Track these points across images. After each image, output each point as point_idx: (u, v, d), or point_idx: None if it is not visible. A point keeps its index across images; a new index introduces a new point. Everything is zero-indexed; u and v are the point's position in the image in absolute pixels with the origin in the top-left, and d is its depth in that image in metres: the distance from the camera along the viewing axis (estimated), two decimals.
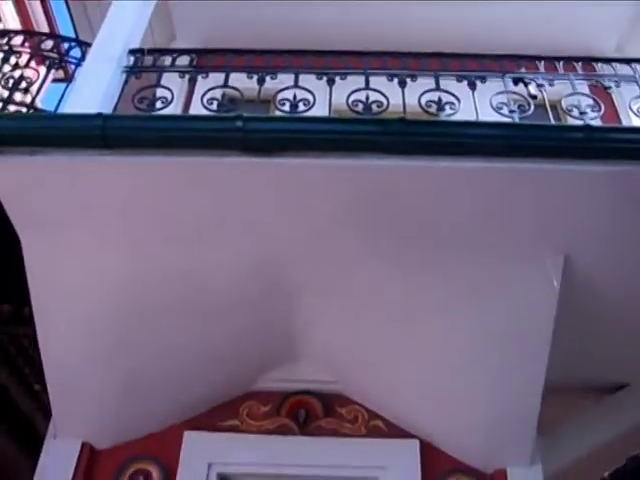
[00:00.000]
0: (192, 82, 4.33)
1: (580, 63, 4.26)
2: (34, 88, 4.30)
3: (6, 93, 4.20)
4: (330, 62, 4.16)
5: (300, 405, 4.39)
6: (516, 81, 4.08)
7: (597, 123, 3.83)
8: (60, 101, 4.05)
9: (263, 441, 4.28)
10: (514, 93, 3.99)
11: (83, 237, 3.53)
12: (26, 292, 3.79)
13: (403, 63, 4.16)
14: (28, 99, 4.47)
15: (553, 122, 3.95)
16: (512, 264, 3.56)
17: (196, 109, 4.57)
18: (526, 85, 4.06)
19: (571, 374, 4.55)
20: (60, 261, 3.61)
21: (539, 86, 4.06)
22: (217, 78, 4.05)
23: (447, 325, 3.81)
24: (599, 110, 3.87)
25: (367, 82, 3.95)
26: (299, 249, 3.64)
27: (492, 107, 3.78)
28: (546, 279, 3.56)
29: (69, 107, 3.85)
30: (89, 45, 4.45)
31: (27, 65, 4.46)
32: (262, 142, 3.10)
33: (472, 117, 3.72)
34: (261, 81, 3.98)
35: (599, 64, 4.34)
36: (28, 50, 4.62)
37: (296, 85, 3.95)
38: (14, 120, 3.39)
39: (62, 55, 4.52)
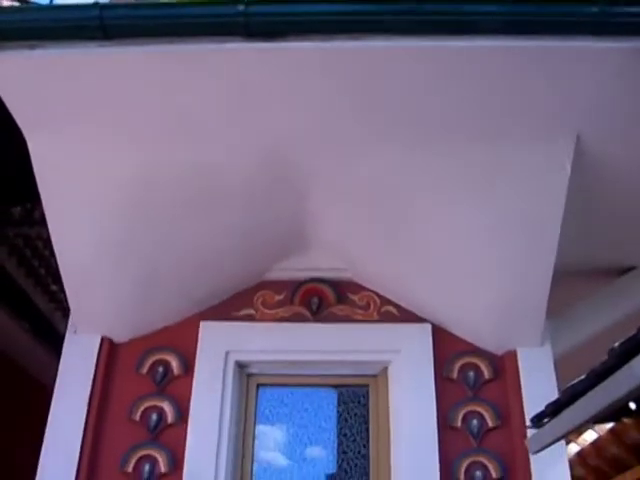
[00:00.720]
0: None
1: None
2: None
3: None
4: None
5: (313, 293, 4.47)
6: None
7: None
8: None
9: (278, 328, 4.38)
10: None
11: (89, 134, 3.49)
12: (36, 193, 3.79)
13: None
14: None
15: None
16: (522, 146, 3.51)
17: None
18: None
19: (580, 257, 4.57)
20: (67, 160, 3.58)
21: None
22: None
23: (458, 211, 3.79)
24: None
25: None
26: (305, 140, 3.59)
27: None
28: (557, 160, 3.52)
29: None
30: None
31: None
32: (265, 26, 3.00)
33: None
34: None
35: None
36: None
37: None
38: (10, 13, 3.28)
39: None
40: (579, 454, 11.46)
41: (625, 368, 1.95)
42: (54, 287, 6.66)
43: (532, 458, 3.99)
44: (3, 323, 6.06)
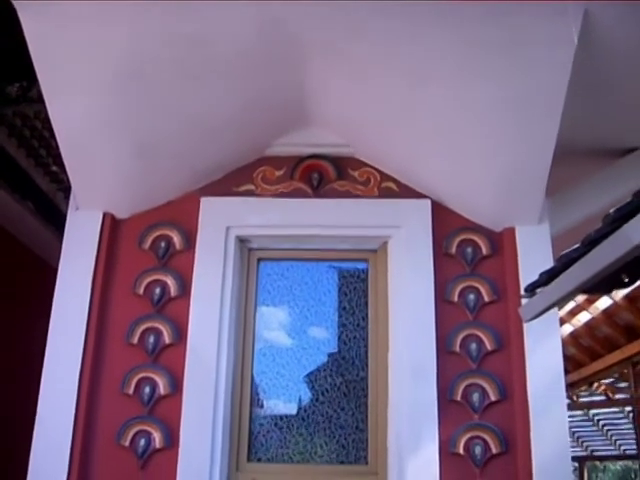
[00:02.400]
0: None
1: None
2: None
3: None
4: None
5: (313, 169, 4.46)
6: None
7: None
8: None
9: (278, 204, 4.40)
10: None
11: (81, 7, 3.38)
12: (32, 70, 3.72)
13: None
14: None
15: None
16: (530, 19, 3.41)
17: None
18: None
19: (583, 137, 4.54)
20: (61, 33, 3.49)
21: None
22: None
23: (462, 85, 3.73)
24: None
25: None
26: (306, 10, 3.49)
27: None
28: (564, 31, 3.43)
29: None
30: None
31: None
32: None
33: None
34: None
35: None
36: None
37: None
38: None
39: None
40: (572, 334, 11.80)
41: (619, 232, 1.97)
42: (55, 168, 6.65)
43: (526, 331, 4.11)
44: (7, 203, 6.08)
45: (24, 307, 6.58)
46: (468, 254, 4.31)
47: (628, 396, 14.20)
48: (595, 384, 13.81)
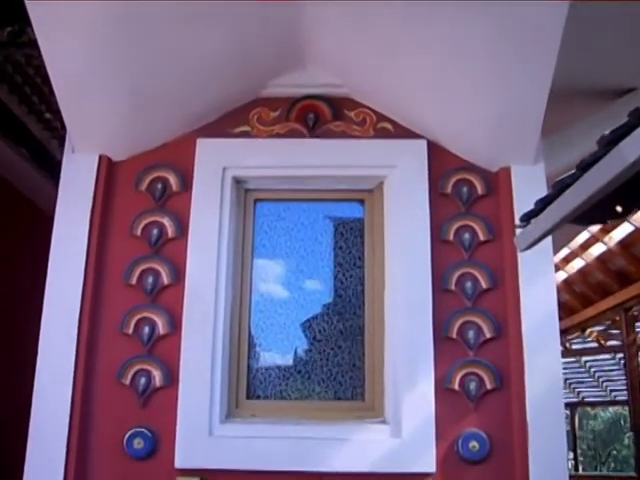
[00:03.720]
0: None
1: None
2: None
3: None
4: None
5: (309, 109, 4.43)
6: None
7: None
8: None
9: (274, 145, 4.39)
10: None
11: None
12: (22, 14, 3.67)
13: None
14: None
15: None
16: None
17: None
18: None
19: (580, 77, 4.54)
20: None
21: None
22: None
23: (458, 20, 3.68)
24: None
25: None
26: None
27: None
28: None
29: None
30: None
31: None
32: None
33: None
34: None
35: None
36: None
37: None
38: None
39: None
40: (566, 281, 11.92)
41: (613, 152, 1.98)
42: (48, 115, 6.61)
43: (520, 270, 4.15)
44: (1, 150, 6.06)
45: (19, 253, 6.61)
46: (463, 194, 4.33)
47: (619, 343, 14.40)
48: (587, 331, 13.99)
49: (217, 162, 4.34)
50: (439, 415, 3.97)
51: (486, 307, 4.16)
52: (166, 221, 4.27)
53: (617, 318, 12.42)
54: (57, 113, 6.49)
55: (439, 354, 4.06)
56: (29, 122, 6.37)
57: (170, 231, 4.26)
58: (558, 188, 2.37)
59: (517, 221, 3.97)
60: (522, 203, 4.22)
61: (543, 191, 4.21)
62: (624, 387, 17.90)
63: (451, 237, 4.26)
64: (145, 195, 4.34)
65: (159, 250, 4.25)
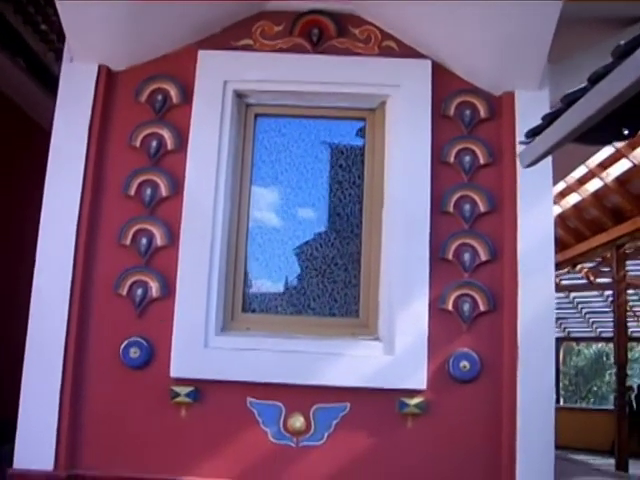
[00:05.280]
0: None
1: None
2: None
3: None
4: None
5: (313, 24, 4.34)
6: None
7: None
8: None
9: (277, 59, 4.32)
10: None
11: None
12: None
13: None
14: None
15: None
16: None
17: None
18: None
19: (588, 4, 4.43)
20: None
21: None
22: None
23: None
24: None
25: None
26: None
27: None
28: None
29: None
30: None
31: None
32: None
33: None
34: None
35: None
36: None
37: None
38: None
39: None
40: (560, 216, 11.95)
41: (629, 60, 1.93)
42: (44, 27, 6.47)
43: (519, 194, 4.16)
44: None
45: (16, 165, 6.57)
46: (466, 116, 4.30)
47: (608, 280, 14.54)
48: (578, 267, 14.12)
49: (218, 75, 4.27)
50: (432, 334, 4.03)
51: (483, 230, 4.18)
52: (165, 133, 4.23)
53: (608, 255, 12.51)
54: (53, 24, 6.39)
55: (434, 275, 4.09)
56: (25, 33, 6.23)
57: (169, 143, 4.22)
58: (567, 102, 2.34)
59: (521, 138, 4.01)
60: (524, 128, 4.08)
61: None
62: (609, 324, 18.22)
63: (451, 159, 4.25)
64: (145, 106, 4.28)
65: (158, 162, 4.22)
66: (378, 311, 4.19)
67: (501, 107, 4.32)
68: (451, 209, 4.18)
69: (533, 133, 2.71)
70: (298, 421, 3.98)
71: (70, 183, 4.14)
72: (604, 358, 32.90)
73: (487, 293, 4.09)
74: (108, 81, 4.30)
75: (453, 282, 4.11)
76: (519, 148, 3.05)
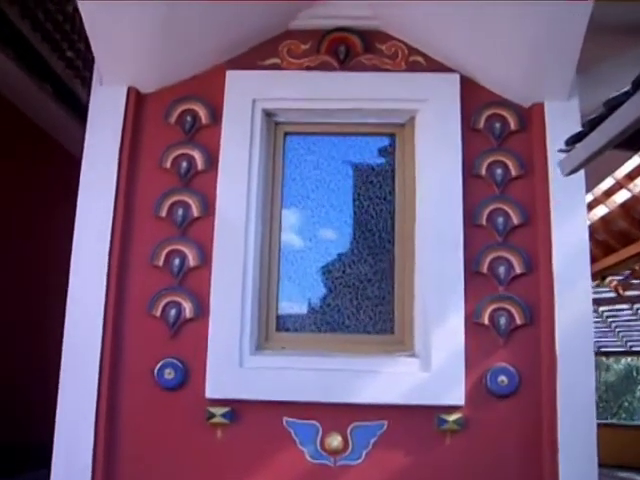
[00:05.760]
0: None
1: None
2: None
3: None
4: None
5: (340, 42, 4.35)
6: None
7: None
8: None
9: (304, 77, 4.33)
10: None
11: None
12: None
13: None
14: None
15: None
16: None
17: None
18: None
19: (616, 12, 4.39)
20: None
21: None
22: None
23: None
24: None
25: None
26: None
27: None
28: None
29: None
30: None
31: None
32: None
33: None
34: None
35: None
36: None
37: None
38: None
39: None
40: (588, 229, 11.81)
41: None
42: (70, 54, 6.57)
43: (552, 206, 4.12)
44: (25, 85, 6.02)
45: (46, 193, 6.65)
46: (496, 129, 4.27)
47: (638, 293, 14.36)
48: (607, 279, 13.93)
49: (247, 94, 4.28)
50: (468, 349, 3.98)
51: (517, 243, 4.13)
52: (195, 154, 4.24)
53: (637, 267, 12.35)
54: (79, 52, 6.48)
55: (469, 289, 4.05)
56: (51, 59, 6.32)
57: (200, 163, 4.23)
58: (609, 106, 2.31)
59: (553, 148, 3.98)
60: (555, 139, 4.17)
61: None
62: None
63: (483, 172, 4.22)
64: (174, 128, 4.30)
65: (189, 182, 4.23)
66: (413, 327, 4.15)
67: (531, 118, 4.29)
68: (484, 222, 4.15)
69: (574, 140, 2.67)
70: (335, 440, 3.93)
71: (102, 206, 4.15)
72: (634, 373, 32.47)
73: (523, 306, 4.03)
74: (137, 103, 4.33)
75: (488, 296, 4.06)
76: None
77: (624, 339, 19.44)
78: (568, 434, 3.86)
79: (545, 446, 3.89)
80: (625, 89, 2.28)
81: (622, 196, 10.63)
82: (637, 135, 2.23)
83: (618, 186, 10.41)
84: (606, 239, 12.01)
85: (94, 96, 4.37)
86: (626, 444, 14.68)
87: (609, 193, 10.65)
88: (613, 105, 2.30)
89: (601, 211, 11.29)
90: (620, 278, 14.38)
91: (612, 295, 15.30)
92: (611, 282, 14.38)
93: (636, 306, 17.19)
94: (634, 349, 20.06)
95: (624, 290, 15.15)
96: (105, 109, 4.30)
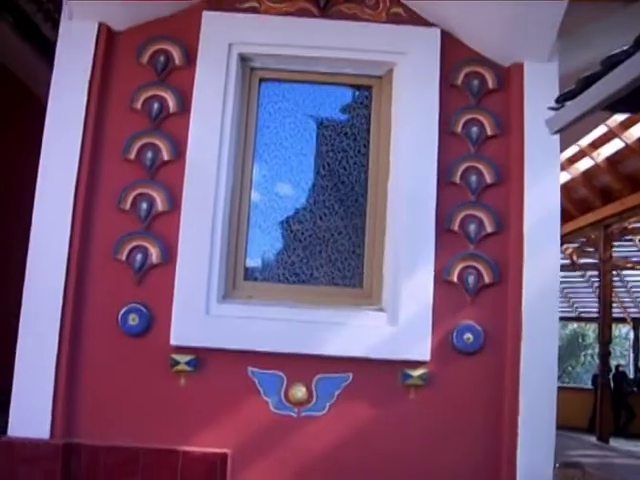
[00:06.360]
0: None
1: None
2: None
3: None
4: None
5: None
6: None
7: None
8: None
9: (283, 22, 4.21)
10: None
11: None
12: None
13: None
14: None
15: None
16: None
17: None
18: None
19: None
20: None
21: None
22: None
23: None
24: None
25: None
26: None
27: None
28: None
29: None
30: None
31: None
32: None
33: None
34: None
35: None
36: None
37: None
38: None
39: None
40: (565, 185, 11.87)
41: None
42: None
43: (526, 167, 4.11)
44: None
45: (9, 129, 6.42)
46: (474, 87, 4.23)
47: (592, 261, 14.63)
48: (564, 246, 14.17)
49: (223, 37, 4.16)
50: (436, 306, 3.99)
51: (489, 202, 4.14)
52: (168, 95, 4.13)
53: (593, 236, 12.57)
54: None
55: (440, 246, 4.05)
56: None
57: (172, 105, 4.12)
58: (608, 64, 2.26)
59: (530, 108, 3.96)
60: (533, 100, 4.17)
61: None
62: (591, 304, 18.40)
63: (459, 130, 4.19)
64: (146, 68, 4.17)
65: (159, 125, 4.12)
66: (382, 281, 4.13)
67: (509, 78, 4.26)
68: (458, 180, 4.13)
69: (564, 98, 2.63)
70: (300, 391, 3.93)
71: (68, 146, 4.03)
72: (580, 339, 33.36)
73: (492, 265, 4.05)
74: (108, 41, 4.18)
75: (458, 253, 4.07)
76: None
77: (575, 305, 19.89)
78: (530, 393, 3.92)
79: (507, 403, 3.94)
80: (625, 47, 2.24)
81: (585, 164, 10.75)
82: (632, 95, 2.20)
83: (581, 154, 10.52)
84: (566, 206, 12.17)
85: (62, 31, 4.20)
86: (572, 407, 15.08)
87: (572, 160, 10.77)
88: (612, 63, 2.25)
89: (563, 178, 11.41)
90: (575, 246, 14.64)
91: (567, 262, 15.59)
92: (567, 249, 14.63)
93: (588, 274, 17.56)
94: (583, 315, 20.56)
95: (578, 257, 15.44)
96: (74, 45, 4.15)
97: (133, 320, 3.94)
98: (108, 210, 4.05)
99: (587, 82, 2.43)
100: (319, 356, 3.93)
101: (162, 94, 4.13)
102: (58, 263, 3.93)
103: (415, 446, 3.93)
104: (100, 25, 4.14)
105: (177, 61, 4.16)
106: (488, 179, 4.13)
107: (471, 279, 4.04)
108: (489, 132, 4.19)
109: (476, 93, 4.22)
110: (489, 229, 4.09)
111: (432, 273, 4.01)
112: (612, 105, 2.45)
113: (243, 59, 4.25)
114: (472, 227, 4.09)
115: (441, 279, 4.03)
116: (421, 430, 3.95)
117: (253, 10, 4.24)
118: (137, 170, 4.07)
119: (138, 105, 4.11)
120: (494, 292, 4.07)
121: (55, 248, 3.94)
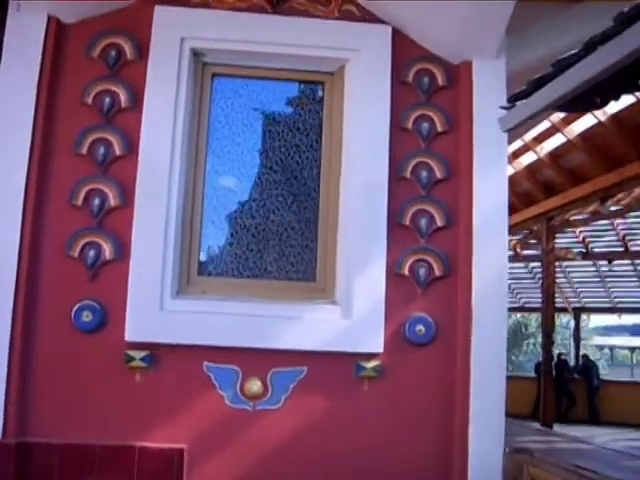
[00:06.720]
0: None
1: None
2: None
3: None
4: None
5: None
6: None
7: None
8: None
9: (235, 18, 4.20)
10: None
11: None
12: None
13: None
14: None
15: None
16: None
17: None
18: None
19: None
20: None
21: None
22: None
23: None
24: None
25: None
26: None
27: None
28: None
29: None
30: None
31: None
32: None
33: None
34: None
35: None
36: None
37: None
38: None
39: None
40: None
41: (636, 26, 1.90)
42: None
43: (475, 162, 4.21)
44: None
45: None
46: (424, 84, 4.30)
47: (535, 252, 14.96)
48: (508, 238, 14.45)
49: (175, 32, 4.14)
50: (389, 299, 4.06)
51: (439, 196, 4.22)
52: (119, 90, 4.09)
53: (536, 228, 12.87)
54: None
55: (392, 240, 4.12)
56: None
57: (123, 100, 4.09)
58: (558, 67, 2.34)
59: (479, 106, 4.06)
60: (481, 97, 4.27)
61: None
62: (534, 295, 18.82)
63: (410, 126, 4.26)
64: (97, 62, 4.12)
65: (111, 120, 4.09)
66: (335, 275, 4.19)
67: (459, 75, 4.35)
68: (408, 175, 4.20)
69: (516, 98, 2.71)
70: (255, 385, 3.96)
71: (18, 141, 3.96)
72: (522, 329, 34.08)
73: (442, 258, 4.14)
74: (58, 34, 4.12)
75: (409, 247, 4.14)
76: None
77: (518, 296, 20.32)
78: (480, 382, 4.03)
79: (458, 393, 4.05)
80: (575, 50, 2.32)
81: (528, 158, 10.99)
82: (581, 96, 2.28)
83: (525, 148, 10.76)
84: (510, 199, 12.42)
85: (10, 23, 4.12)
86: (516, 394, 15.42)
87: (516, 154, 11.00)
88: (562, 66, 2.34)
89: (507, 172, 11.64)
90: (519, 237, 14.96)
91: (510, 253, 15.92)
92: (511, 241, 14.94)
93: (531, 265, 17.96)
94: (526, 306, 21.02)
95: (522, 249, 15.79)
96: (22, 38, 4.07)
97: (87, 317, 3.91)
98: (60, 206, 4.01)
99: (538, 83, 2.51)
100: (274, 350, 3.97)
101: (113, 88, 4.09)
102: (9, 260, 3.87)
103: (369, 437, 4.00)
104: (49, 18, 4.08)
105: (129, 55, 4.13)
106: (438, 174, 4.22)
107: (422, 272, 4.13)
108: (439, 128, 4.28)
109: (426, 90, 4.30)
110: (439, 223, 4.18)
111: (384, 267, 4.08)
112: (562, 105, 2.54)
113: (195, 54, 4.24)
114: (423, 221, 4.17)
115: (393, 272, 4.10)
116: (375, 421, 4.02)
117: (205, 5, 4.23)
118: (89, 165, 4.03)
119: (89, 100, 4.07)
120: (445, 284, 4.17)
121: (6, 244, 3.88)
